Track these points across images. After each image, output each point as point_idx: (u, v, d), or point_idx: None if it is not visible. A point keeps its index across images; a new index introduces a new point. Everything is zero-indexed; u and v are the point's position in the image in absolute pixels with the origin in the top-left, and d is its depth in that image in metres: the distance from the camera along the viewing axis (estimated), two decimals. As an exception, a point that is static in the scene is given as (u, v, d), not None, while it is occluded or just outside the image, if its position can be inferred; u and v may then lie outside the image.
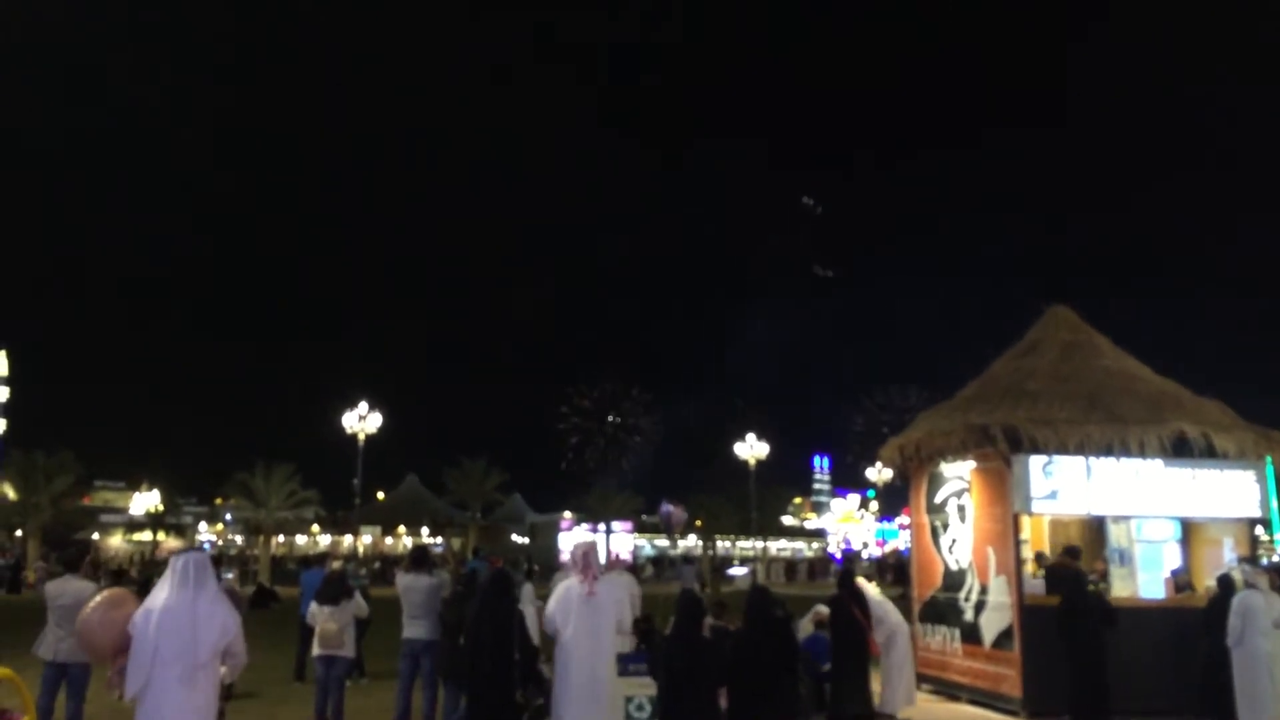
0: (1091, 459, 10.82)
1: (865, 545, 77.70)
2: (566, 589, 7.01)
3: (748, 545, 63.38)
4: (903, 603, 13.05)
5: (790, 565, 57.48)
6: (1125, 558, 11.64)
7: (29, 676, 7.98)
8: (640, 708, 7.84)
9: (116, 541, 66.83)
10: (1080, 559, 10.74)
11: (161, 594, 5.32)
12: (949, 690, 11.76)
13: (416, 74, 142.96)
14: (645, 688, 7.81)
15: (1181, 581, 11.38)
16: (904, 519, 46.85)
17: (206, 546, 63.52)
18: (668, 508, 17.37)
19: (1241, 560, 10.93)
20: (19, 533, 46.39)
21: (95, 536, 61.98)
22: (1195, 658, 9.97)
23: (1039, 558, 11.40)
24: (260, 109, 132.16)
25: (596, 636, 6.92)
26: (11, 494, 43.96)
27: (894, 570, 46.63)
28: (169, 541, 59.31)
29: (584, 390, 76.74)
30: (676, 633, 6.95)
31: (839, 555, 68.69)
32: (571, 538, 50.61)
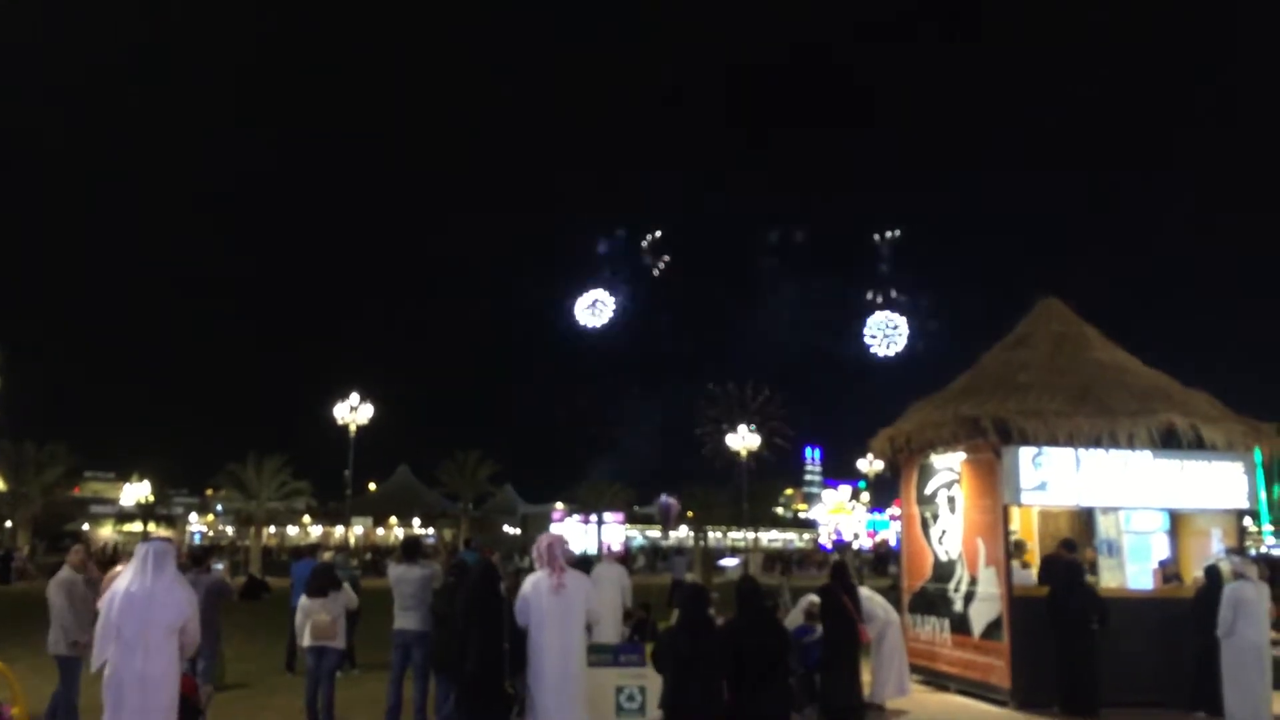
0: (1081, 450, 10.87)
1: (856, 536, 77.99)
2: (535, 582, 7.04)
3: (739, 536, 63.57)
4: (893, 593, 13.10)
5: (769, 558, 57.57)
6: (1114, 549, 11.71)
7: (20, 669, 7.97)
8: (631, 698, 7.89)
9: (107, 532, 66.60)
10: (1076, 551, 10.79)
11: (125, 578, 5.82)
12: (938, 680, 11.82)
13: (409, 64, 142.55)
14: (637, 678, 7.85)
15: (1169, 572, 11.46)
16: (894, 510, 47.11)
17: (198, 537, 63.45)
18: (666, 500, 17.38)
19: (1229, 551, 10.99)
20: (9, 523, 46.27)
21: (85, 527, 61.83)
22: (1184, 648, 10.04)
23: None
24: (254, 103, 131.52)
25: (567, 629, 6.95)
26: (1, 484, 43.87)
27: (875, 561, 47.01)
28: (159, 533, 59.14)
29: (596, 391, 76.70)
30: (683, 622, 6.96)
31: (829, 546, 69.01)
32: (563, 529, 50.65)
